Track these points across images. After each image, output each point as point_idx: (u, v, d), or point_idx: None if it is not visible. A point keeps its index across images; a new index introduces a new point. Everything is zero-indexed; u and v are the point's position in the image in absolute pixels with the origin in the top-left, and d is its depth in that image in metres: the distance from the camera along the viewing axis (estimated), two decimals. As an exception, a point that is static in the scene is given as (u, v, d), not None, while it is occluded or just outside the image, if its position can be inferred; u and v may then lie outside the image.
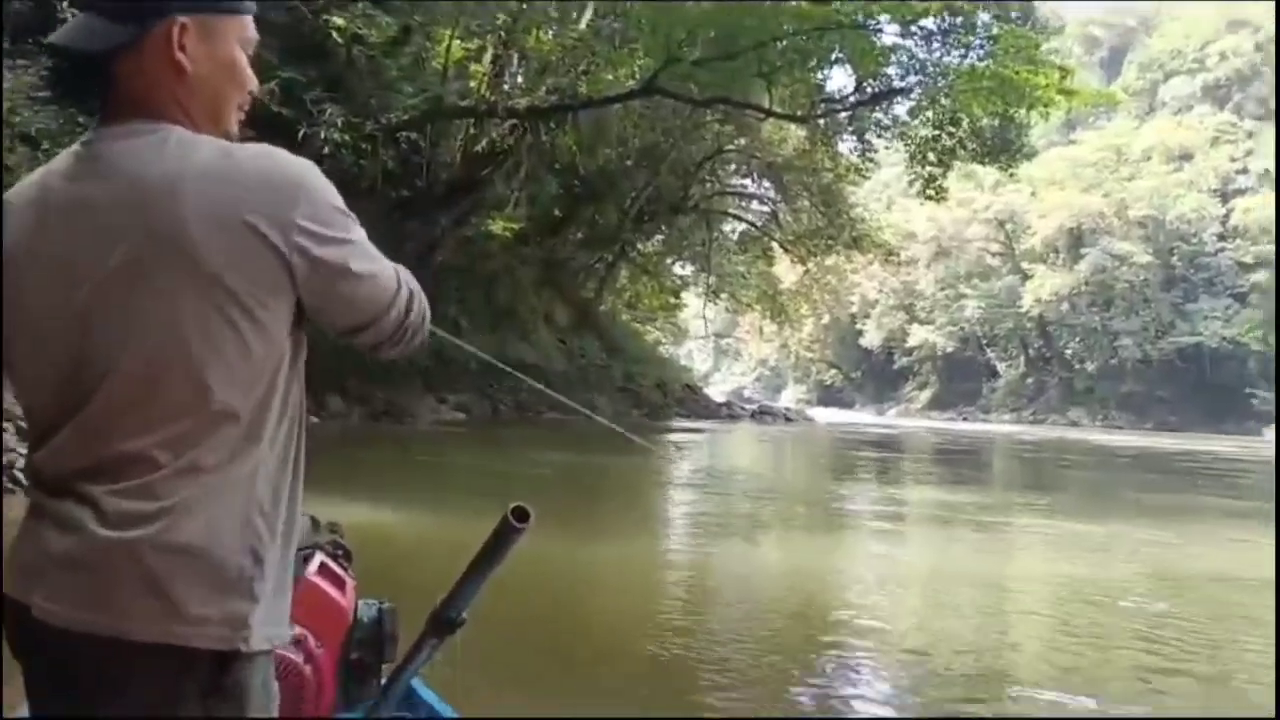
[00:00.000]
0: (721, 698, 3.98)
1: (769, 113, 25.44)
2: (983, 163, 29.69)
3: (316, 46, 17.31)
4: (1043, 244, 61.19)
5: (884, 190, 62.50)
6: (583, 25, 21.44)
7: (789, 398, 71.39)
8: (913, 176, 29.70)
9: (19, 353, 1.19)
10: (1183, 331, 56.51)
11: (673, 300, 43.84)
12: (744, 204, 40.85)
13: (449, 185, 22.90)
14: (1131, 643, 5.34)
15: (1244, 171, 59.02)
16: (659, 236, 39.13)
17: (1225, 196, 58.24)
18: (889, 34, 22.43)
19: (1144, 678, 4.68)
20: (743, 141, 33.75)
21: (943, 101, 24.24)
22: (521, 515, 1.54)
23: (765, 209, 40.12)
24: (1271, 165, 54.84)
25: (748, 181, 39.68)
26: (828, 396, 73.37)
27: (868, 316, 70.44)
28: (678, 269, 43.86)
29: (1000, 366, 66.15)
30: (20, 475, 6.65)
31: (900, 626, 5.66)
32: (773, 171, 35.96)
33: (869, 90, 25.40)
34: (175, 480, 1.12)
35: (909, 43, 22.89)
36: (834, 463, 20.36)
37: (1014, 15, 23.72)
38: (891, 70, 23.57)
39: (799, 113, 26.83)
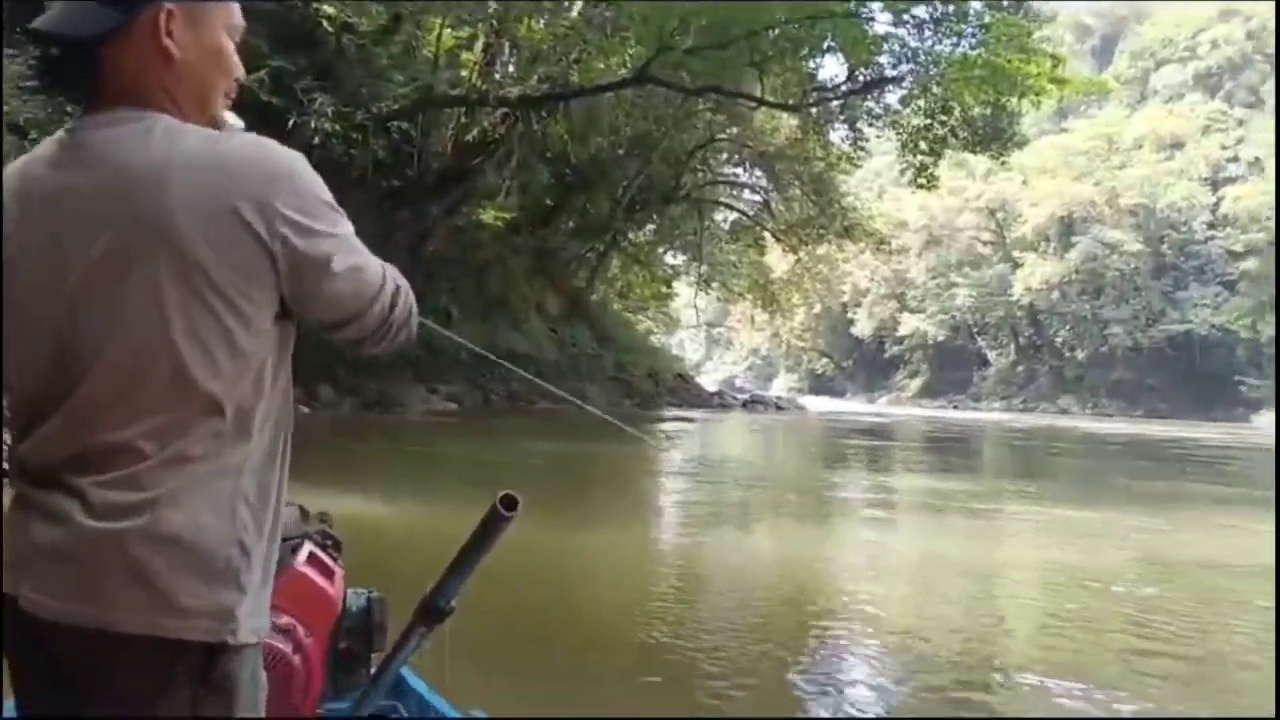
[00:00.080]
0: (713, 687, 3.99)
1: (761, 101, 25.44)
2: (974, 151, 29.70)
3: (306, 35, 17.23)
4: (1034, 232, 61.27)
5: (875, 179, 62.48)
6: (574, 13, 21.39)
7: (780, 386, 71.46)
8: (904, 165, 29.72)
9: (3, 343, 1.18)
10: (1173, 319, 56.68)
11: (664, 289, 43.82)
12: (736, 193, 40.81)
13: (440, 174, 22.84)
14: (1120, 627, 5.37)
15: (1234, 160, 59.16)
16: (651, 226, 39.07)
17: (1215, 185, 58.35)
18: (881, 22, 22.44)
19: (1130, 661, 4.71)
20: (734, 130, 33.71)
21: (934, 90, 24.24)
22: (510, 504, 1.54)
23: (757, 198, 40.09)
24: (1261, 153, 55.08)
25: (739, 170, 39.67)
26: (819, 385, 73.46)
27: (859, 305, 70.50)
28: (669, 258, 43.84)
29: (991, 355, 66.30)
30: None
31: (891, 613, 5.68)
32: (764, 160, 35.94)
33: (861, 79, 25.38)
34: (162, 471, 1.12)
35: (901, 31, 22.88)
36: (825, 451, 20.40)
37: (1005, 4, 23.67)
38: (883, 59, 23.55)
39: (791, 101, 26.83)
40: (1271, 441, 25.33)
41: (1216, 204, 57.29)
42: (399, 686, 2.15)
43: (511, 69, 23.70)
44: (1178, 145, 60.34)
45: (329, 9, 17.13)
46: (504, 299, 27.25)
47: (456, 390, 23.05)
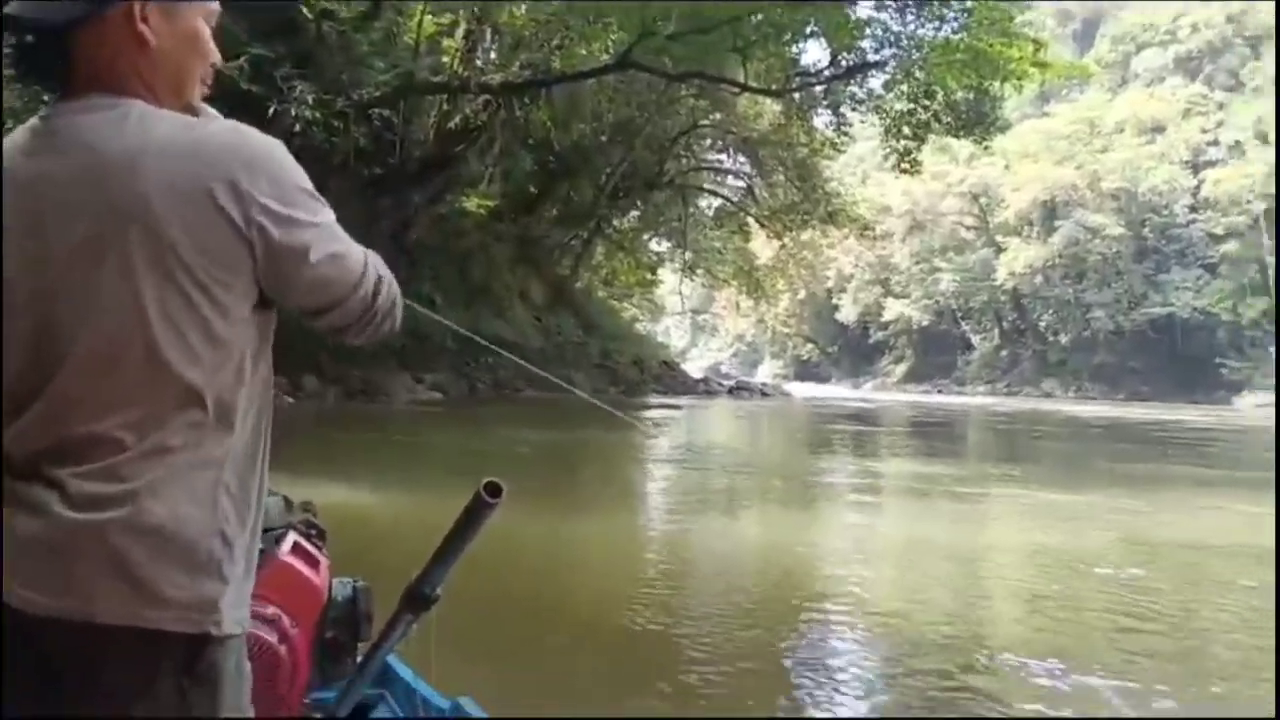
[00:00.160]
0: (699, 672, 4.00)
1: (744, 87, 25.41)
2: (957, 136, 29.76)
3: (286, 22, 17.10)
4: (1016, 217, 61.53)
5: (859, 164, 62.56)
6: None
7: (766, 373, 71.64)
8: (887, 150, 29.77)
9: None
10: (1154, 302, 57.05)
11: (649, 276, 43.86)
12: (719, 179, 40.81)
13: (422, 162, 22.75)
14: (1103, 608, 5.42)
15: (1214, 143, 59.45)
16: (634, 212, 39.05)
17: (1196, 168, 58.65)
18: (863, 7, 22.50)
19: (1113, 640, 4.75)
20: (718, 116, 33.68)
21: (917, 75, 24.27)
22: (494, 490, 1.53)
23: (741, 184, 40.11)
24: (1241, 136, 55.39)
25: (723, 156, 39.66)
26: (804, 371, 73.70)
27: (843, 291, 70.73)
28: (654, 245, 43.86)
29: (975, 339, 66.63)
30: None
31: (876, 596, 5.72)
32: (748, 146, 35.94)
33: (844, 64, 25.38)
34: (141, 462, 1.11)
35: (883, 15, 22.92)
36: (811, 437, 20.47)
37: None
38: (866, 44, 23.58)
39: (774, 87, 26.82)
40: (1251, 423, 25.58)
41: (1197, 187, 57.61)
42: (386, 675, 2.15)
43: (493, 55, 23.60)
44: (1159, 129, 60.60)
45: (308, -4, 17.02)
46: (487, 287, 27.20)
47: (442, 379, 23.01)
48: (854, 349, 73.76)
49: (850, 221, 39.68)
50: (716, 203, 41.67)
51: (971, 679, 4.01)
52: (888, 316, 68.06)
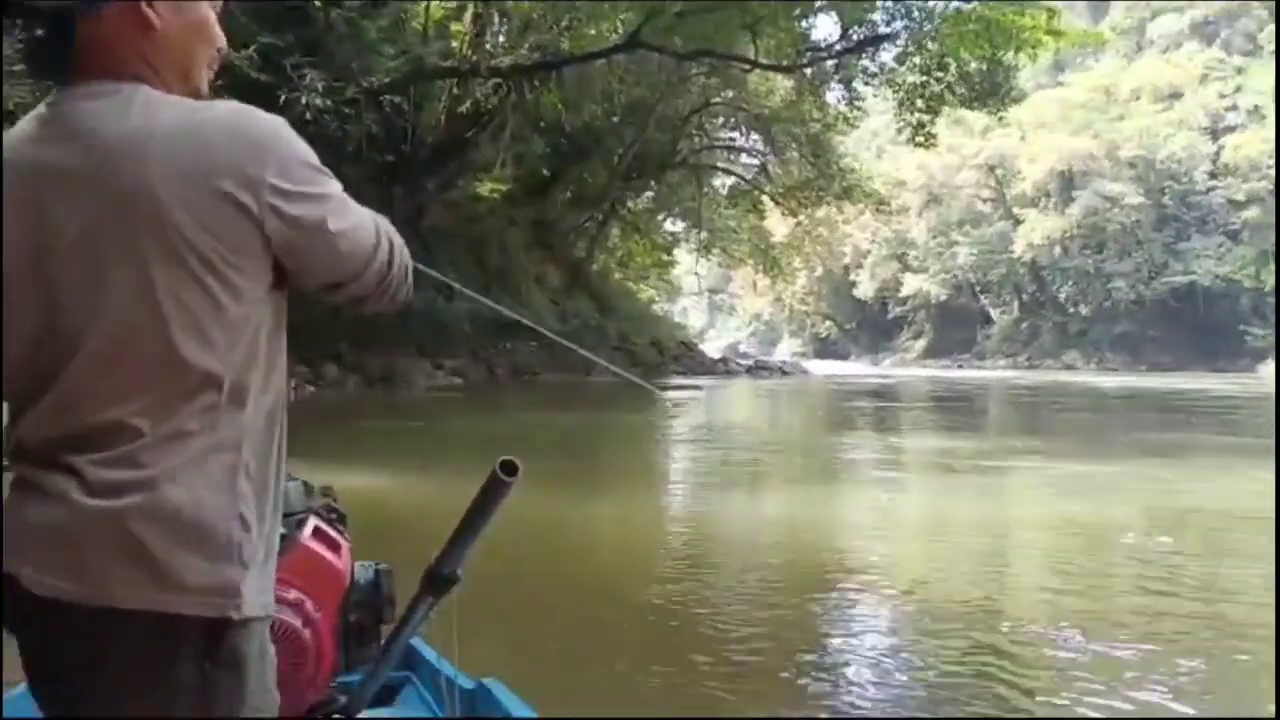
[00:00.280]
0: (734, 650, 4.00)
1: (755, 64, 25.26)
2: (971, 107, 29.55)
3: (294, 10, 17.10)
4: (1033, 188, 60.99)
5: (873, 139, 62.21)
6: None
7: (784, 351, 71.53)
8: (901, 124, 29.56)
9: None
10: (1175, 271, 56.53)
11: (664, 257, 43.80)
12: (733, 157, 40.66)
13: (434, 148, 22.77)
14: (1128, 578, 5.39)
15: (1233, 108, 58.76)
16: (648, 193, 38.99)
17: (1215, 134, 58.02)
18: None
19: (1140, 610, 4.73)
20: (730, 94, 33.53)
21: (930, 46, 24.08)
22: (510, 469, 1.52)
23: (754, 162, 39.95)
24: (1260, 101, 54.66)
25: (736, 134, 39.48)
26: (823, 349, 73.55)
27: (860, 267, 70.42)
28: (668, 225, 43.77)
29: (994, 313, 66.26)
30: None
31: (898, 569, 5.72)
32: (761, 124, 35.75)
33: (855, 37, 25.23)
34: (158, 448, 1.10)
35: (894, -13, 22.72)
36: (832, 414, 20.44)
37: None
38: (877, 16, 23.45)
39: (785, 63, 26.64)
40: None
41: (1217, 153, 56.99)
42: (410, 657, 2.16)
43: (502, 38, 23.51)
44: (1176, 95, 59.90)
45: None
46: (504, 272, 27.24)
47: (461, 365, 23.11)
48: (872, 325, 73.49)
49: (865, 197, 39.49)
50: (730, 181, 41.52)
51: (999, 643, 4.00)
52: (906, 292, 67.73)
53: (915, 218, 65.43)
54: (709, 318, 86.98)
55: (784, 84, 32.73)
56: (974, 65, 25.30)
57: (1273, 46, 52.03)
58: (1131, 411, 21.15)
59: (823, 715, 3.40)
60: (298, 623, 1.69)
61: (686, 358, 35.27)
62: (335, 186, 1.21)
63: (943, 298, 66.36)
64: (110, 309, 1.10)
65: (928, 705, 3.51)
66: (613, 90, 27.66)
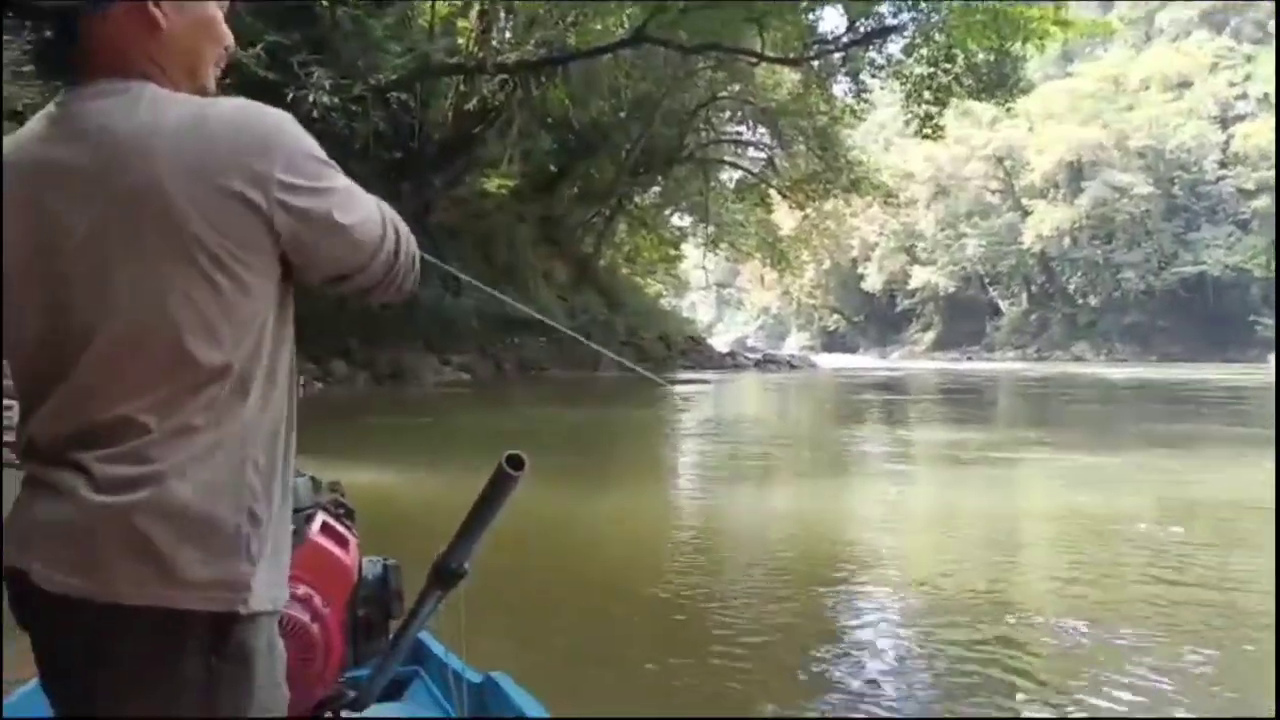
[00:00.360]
0: (745, 641, 4.01)
1: (761, 57, 25.23)
2: (979, 99, 29.39)
3: (301, 8, 17.12)
4: (1042, 179, 60.78)
5: (880, 131, 61.99)
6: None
7: (793, 345, 71.45)
8: (909, 116, 29.45)
9: (3, 321, 1.17)
10: (1185, 261, 56.28)
11: (672, 252, 43.76)
12: (740, 151, 40.58)
13: (441, 145, 22.78)
14: (1137, 569, 5.38)
15: (1243, 97, 58.42)
16: (655, 188, 38.95)
17: (1225, 123, 57.71)
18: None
19: (1150, 600, 4.72)
20: (736, 88, 33.47)
21: (937, 37, 23.99)
22: (516, 463, 1.53)
23: (761, 155, 39.88)
24: (1270, 89, 54.29)
25: (743, 128, 39.40)
26: (831, 342, 73.42)
27: (868, 260, 70.29)
28: (676, 220, 43.73)
29: (1003, 304, 66.06)
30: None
31: (908, 561, 5.71)
32: (767, 117, 35.68)
33: (861, 29, 25.16)
34: (166, 443, 1.11)
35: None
36: (840, 407, 20.41)
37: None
38: (884, 7, 23.37)
39: (791, 55, 26.58)
40: (1287, 380, 25.21)
41: (1227, 142, 56.69)
42: (419, 652, 2.16)
43: (508, 35, 23.50)
44: (1185, 84, 59.59)
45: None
46: (511, 267, 27.26)
47: (468, 361, 23.15)
48: (881, 318, 73.36)
49: (873, 189, 39.39)
50: (737, 175, 41.46)
51: (1009, 634, 4.00)
52: (914, 284, 67.57)
53: (923, 210, 65.27)
54: (717, 312, 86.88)
55: (791, 77, 32.66)
56: (982, 56, 25.19)
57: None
58: (1141, 402, 21.07)
59: (831, 709, 3.40)
60: (306, 618, 1.70)
61: (694, 352, 35.26)
62: (341, 179, 1.21)
63: (951, 290, 66.19)
64: (120, 307, 1.11)
65: (940, 697, 3.51)
66: (619, 85, 27.61)
